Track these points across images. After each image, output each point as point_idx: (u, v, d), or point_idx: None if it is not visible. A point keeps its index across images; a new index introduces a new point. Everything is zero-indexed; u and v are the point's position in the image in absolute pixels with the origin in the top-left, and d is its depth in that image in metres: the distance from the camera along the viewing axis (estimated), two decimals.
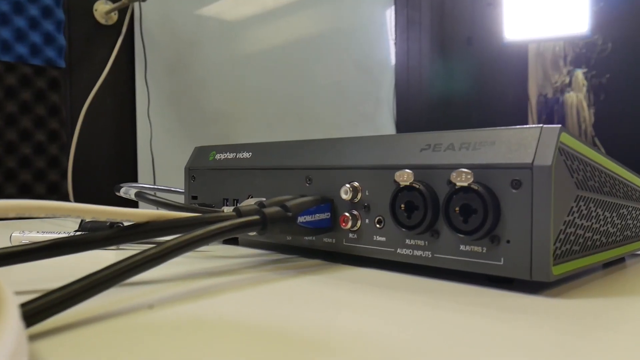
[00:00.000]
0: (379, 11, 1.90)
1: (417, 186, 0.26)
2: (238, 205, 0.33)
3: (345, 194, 0.29)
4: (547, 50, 2.00)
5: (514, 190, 0.23)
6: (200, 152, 0.42)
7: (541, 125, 0.23)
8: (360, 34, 1.81)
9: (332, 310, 0.21)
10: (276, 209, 0.28)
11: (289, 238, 0.32)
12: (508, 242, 0.23)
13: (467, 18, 2.02)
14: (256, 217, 0.27)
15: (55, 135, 1.13)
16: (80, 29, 1.19)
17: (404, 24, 2.00)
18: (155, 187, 0.45)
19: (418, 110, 1.91)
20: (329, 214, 0.30)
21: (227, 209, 0.32)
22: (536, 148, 0.23)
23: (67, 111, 1.16)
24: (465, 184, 0.24)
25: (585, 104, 1.90)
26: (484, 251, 0.24)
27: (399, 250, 0.27)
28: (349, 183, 0.29)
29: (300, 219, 0.29)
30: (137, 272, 0.21)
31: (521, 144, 0.24)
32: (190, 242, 0.23)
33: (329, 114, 1.64)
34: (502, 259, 0.24)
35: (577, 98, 1.92)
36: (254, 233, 0.28)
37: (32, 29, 1.10)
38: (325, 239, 0.31)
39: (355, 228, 0.29)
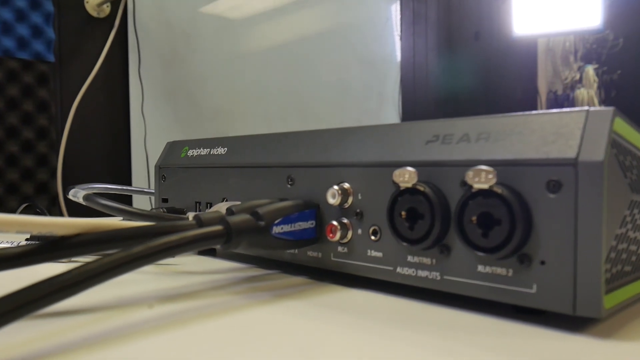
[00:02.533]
0: (383, 5, 1.85)
1: (422, 188, 0.20)
2: (201, 211, 0.28)
3: (332, 197, 0.23)
4: (557, 45, 1.94)
5: (551, 195, 0.17)
6: (172, 148, 0.36)
7: (587, 107, 0.18)
8: (364, 29, 1.75)
9: None
10: (244, 217, 0.22)
11: (263, 252, 0.27)
12: (542, 263, 0.18)
13: (475, 12, 1.96)
14: (218, 227, 0.21)
15: (44, 133, 1.08)
16: (71, 22, 1.14)
17: (410, 19, 1.94)
18: (123, 187, 0.40)
19: (424, 107, 1.85)
20: (313, 222, 0.25)
21: (193, 215, 0.26)
22: (581, 138, 0.17)
23: (57, 107, 1.11)
24: (486, 186, 0.18)
25: (596, 101, 1.83)
26: (510, 274, 0.18)
27: (398, 270, 0.22)
28: (337, 184, 0.24)
29: (276, 229, 0.23)
30: (38, 308, 0.15)
31: (560, 133, 0.18)
32: (119, 265, 0.17)
33: (331, 110, 1.58)
34: (535, 286, 0.18)
35: (587, 94, 1.86)
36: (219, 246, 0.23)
37: (19, 21, 1.05)
38: (309, 253, 0.25)
39: (345, 240, 0.24)
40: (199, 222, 0.23)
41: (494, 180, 0.18)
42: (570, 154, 0.17)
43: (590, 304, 0.17)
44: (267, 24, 1.44)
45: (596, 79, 1.85)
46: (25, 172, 1.06)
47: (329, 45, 1.60)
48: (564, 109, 0.18)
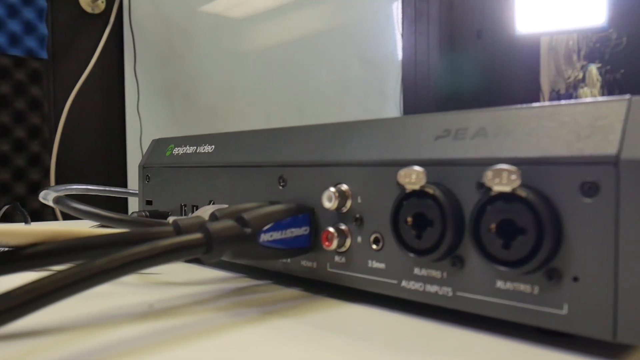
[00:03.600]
0: (384, 3, 1.82)
1: (431, 191, 0.17)
2: (184, 216, 0.25)
3: (328, 200, 0.21)
4: (560, 44, 1.91)
5: (586, 199, 0.15)
6: (157, 146, 0.34)
7: (629, 95, 0.15)
8: (366, 27, 1.72)
9: None
10: (228, 223, 0.19)
11: (251, 262, 0.24)
12: (575, 279, 0.15)
13: (477, 10, 1.93)
14: (197, 235, 0.19)
15: (36, 131, 1.05)
16: (64, 18, 1.11)
17: (412, 17, 1.91)
18: (104, 189, 0.37)
19: (425, 106, 1.82)
20: (307, 228, 0.22)
21: (172, 221, 0.23)
22: (623, 132, 0.14)
23: (50, 105, 1.09)
24: (507, 189, 0.15)
25: None
26: (536, 292, 0.16)
27: (404, 283, 0.19)
28: (334, 186, 0.21)
29: (264, 237, 0.20)
30: None
31: (597, 126, 0.15)
32: (72, 282, 0.15)
33: (331, 109, 1.56)
34: (566, 306, 0.15)
35: (591, 94, 1.83)
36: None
37: (11, 17, 1.02)
38: (303, 263, 0.23)
39: (342, 249, 0.21)
40: (177, 229, 0.20)
41: (517, 182, 0.15)
42: (610, 150, 0.14)
43: (635, 329, 0.14)
44: (267, 22, 1.41)
45: (599, 78, 1.83)
46: (17, 172, 1.04)
47: (329, 43, 1.57)
48: (601, 98, 0.15)
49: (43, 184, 1.06)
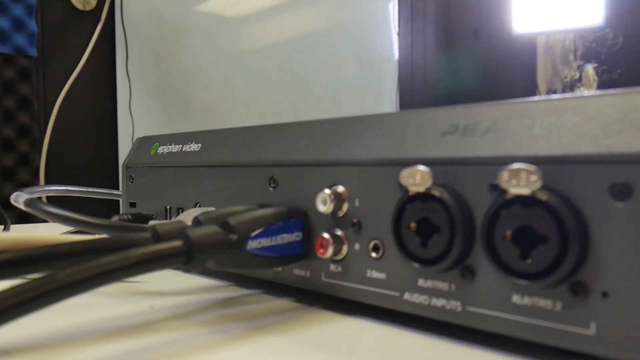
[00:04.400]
0: (380, 2, 1.80)
1: (438, 194, 0.16)
2: (158, 221, 0.23)
3: (323, 204, 0.19)
4: (557, 44, 1.90)
5: (616, 203, 0.13)
6: (142, 145, 0.32)
7: None
8: (361, 26, 1.71)
9: None
10: (211, 229, 0.18)
11: (238, 271, 0.22)
12: (604, 295, 0.13)
13: (474, 9, 1.92)
14: (176, 243, 0.17)
15: (25, 131, 1.03)
16: (55, 14, 1.09)
17: (408, 16, 1.89)
18: (86, 190, 0.35)
19: (422, 106, 1.80)
20: (299, 234, 0.20)
21: (156, 223, 0.21)
22: None
23: (39, 104, 1.06)
24: (526, 192, 0.14)
25: None
26: (559, 309, 0.14)
27: (406, 296, 0.17)
28: (329, 187, 0.19)
29: (252, 244, 0.18)
30: None
31: (628, 120, 0.13)
32: (26, 300, 0.13)
33: (327, 109, 1.54)
34: (593, 325, 0.13)
35: None
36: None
37: (0, 13, 1.00)
38: (295, 272, 0.21)
39: (339, 257, 0.19)
40: (155, 236, 0.18)
41: (538, 184, 0.13)
42: None
43: None
44: (262, 21, 1.39)
45: (596, 78, 1.82)
46: (5, 172, 1.01)
47: (325, 42, 1.55)
48: (631, 88, 0.14)
49: (32, 185, 1.03)
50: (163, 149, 0.29)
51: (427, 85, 1.87)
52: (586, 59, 1.85)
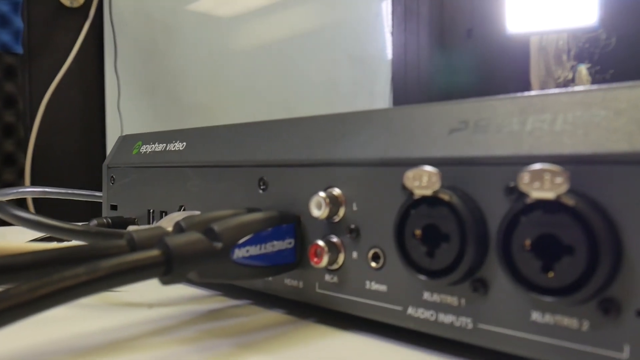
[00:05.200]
0: (373, 2, 1.79)
1: (447, 197, 0.14)
2: (136, 227, 0.21)
3: (318, 208, 0.17)
4: (550, 44, 1.90)
5: None
6: (124, 144, 0.30)
7: None
8: (354, 25, 1.69)
9: None
10: (193, 236, 0.16)
11: (224, 281, 0.20)
12: (639, 314, 0.12)
13: (468, 9, 1.91)
14: (154, 252, 0.15)
15: (10, 130, 1.00)
16: (41, 11, 1.06)
17: (402, 15, 1.88)
18: (65, 191, 0.33)
19: None
20: (292, 241, 0.18)
21: (133, 229, 0.19)
22: None
23: (25, 103, 1.03)
24: (550, 196, 0.12)
25: None
26: (586, 328, 0.12)
27: (410, 311, 0.15)
28: (324, 190, 0.17)
29: (239, 253, 0.16)
30: None
31: None
32: None
33: (320, 109, 1.51)
34: (627, 348, 0.12)
35: None
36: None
37: None
38: (287, 282, 0.19)
39: (335, 266, 0.17)
40: (132, 244, 0.16)
41: (564, 187, 0.12)
42: None
43: None
44: (254, 20, 1.37)
45: (589, 78, 1.82)
46: None
47: (317, 42, 1.54)
48: None
49: (18, 185, 1.01)
50: (146, 148, 0.27)
51: (420, 84, 1.86)
52: (579, 59, 1.85)
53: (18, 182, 1.00)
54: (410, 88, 1.82)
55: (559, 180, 0.12)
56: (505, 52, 1.87)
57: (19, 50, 1.01)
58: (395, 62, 1.80)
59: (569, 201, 0.12)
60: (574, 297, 0.12)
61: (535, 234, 0.12)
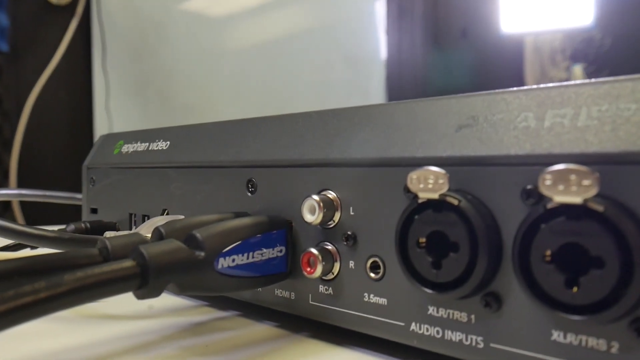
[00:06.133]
0: (367, 1, 1.78)
1: (455, 201, 0.12)
2: (112, 233, 0.20)
3: (311, 212, 0.16)
4: (545, 44, 1.90)
5: None
6: (105, 143, 0.28)
7: None
8: (348, 25, 1.68)
9: None
10: (172, 245, 0.14)
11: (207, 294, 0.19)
12: None
13: (462, 8, 1.91)
14: (127, 263, 0.13)
15: None
16: (28, 8, 1.04)
17: (396, 15, 1.87)
18: (43, 193, 0.31)
19: None
20: (282, 248, 0.17)
21: (108, 236, 0.17)
22: None
23: (11, 102, 1.01)
24: (577, 200, 0.11)
25: None
26: (615, 350, 0.11)
27: (413, 327, 0.14)
28: (318, 193, 0.16)
29: (224, 262, 0.15)
30: None
31: None
32: None
33: (313, 109, 1.50)
34: None
35: None
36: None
37: None
38: (278, 293, 0.17)
39: (329, 276, 0.16)
40: (104, 253, 0.15)
41: (592, 190, 0.10)
42: None
43: None
44: (246, 20, 1.36)
45: (584, 78, 1.82)
46: None
47: (310, 42, 1.52)
48: None
49: (2, 187, 0.98)
50: (128, 148, 0.26)
51: (415, 84, 1.85)
52: (574, 59, 1.85)
53: (3, 183, 0.98)
54: (404, 88, 1.81)
55: (586, 182, 0.10)
56: (500, 52, 1.86)
57: (4, 48, 0.98)
58: (390, 62, 1.79)
59: (598, 206, 0.10)
60: (603, 315, 0.10)
61: (557, 244, 0.11)
